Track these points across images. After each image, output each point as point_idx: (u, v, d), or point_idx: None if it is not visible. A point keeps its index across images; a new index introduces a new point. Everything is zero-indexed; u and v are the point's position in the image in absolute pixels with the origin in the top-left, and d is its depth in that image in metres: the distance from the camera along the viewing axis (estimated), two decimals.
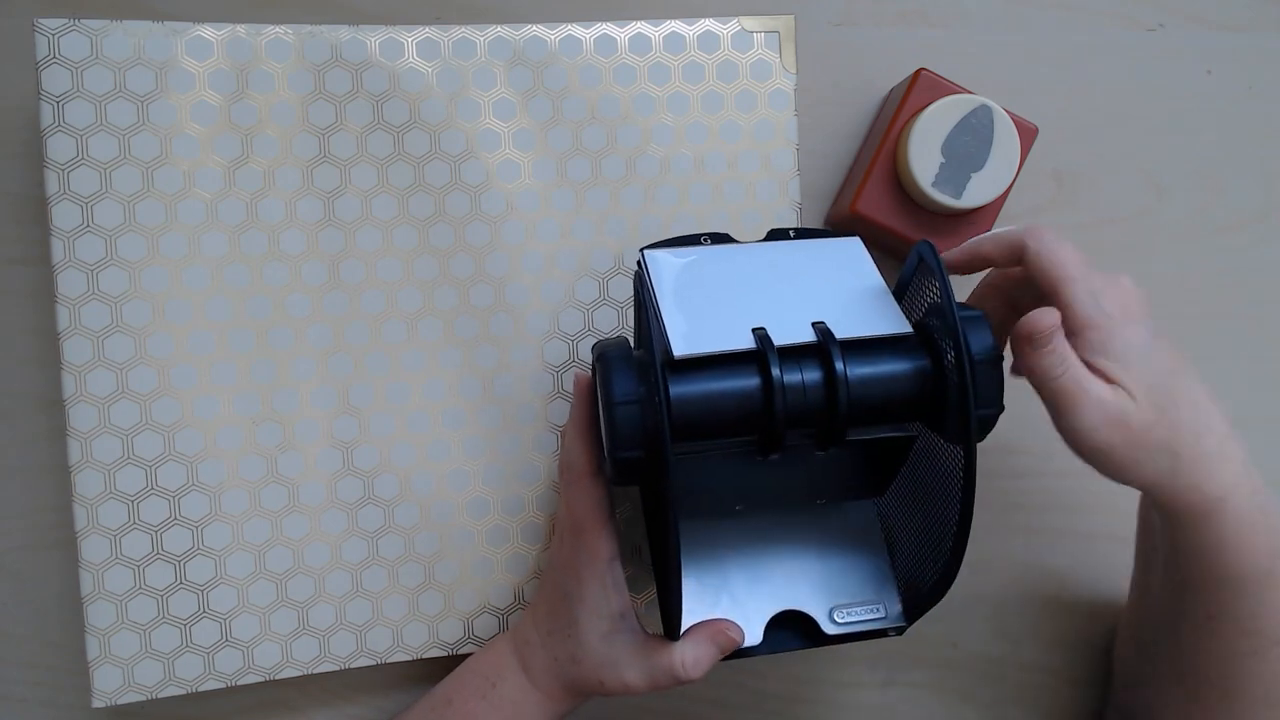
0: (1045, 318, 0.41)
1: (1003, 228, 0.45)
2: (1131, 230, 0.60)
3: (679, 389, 0.40)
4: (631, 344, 0.44)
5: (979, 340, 0.41)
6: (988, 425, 0.42)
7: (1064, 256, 0.42)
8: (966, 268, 0.47)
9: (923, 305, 0.44)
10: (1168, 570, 0.47)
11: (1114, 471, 0.42)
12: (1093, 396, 0.41)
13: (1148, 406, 0.41)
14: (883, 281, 0.44)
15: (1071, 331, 0.42)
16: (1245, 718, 0.45)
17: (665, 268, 0.44)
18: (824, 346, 0.40)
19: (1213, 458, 0.42)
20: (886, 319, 0.42)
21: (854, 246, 0.46)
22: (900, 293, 0.46)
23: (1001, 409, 0.42)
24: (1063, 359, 0.41)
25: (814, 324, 0.41)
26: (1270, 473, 0.59)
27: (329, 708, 0.55)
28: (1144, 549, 0.51)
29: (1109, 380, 0.41)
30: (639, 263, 0.45)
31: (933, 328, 0.42)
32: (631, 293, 0.55)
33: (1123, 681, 0.55)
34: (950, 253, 0.47)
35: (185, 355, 0.51)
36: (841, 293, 0.43)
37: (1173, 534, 0.44)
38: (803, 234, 0.47)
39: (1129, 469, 0.42)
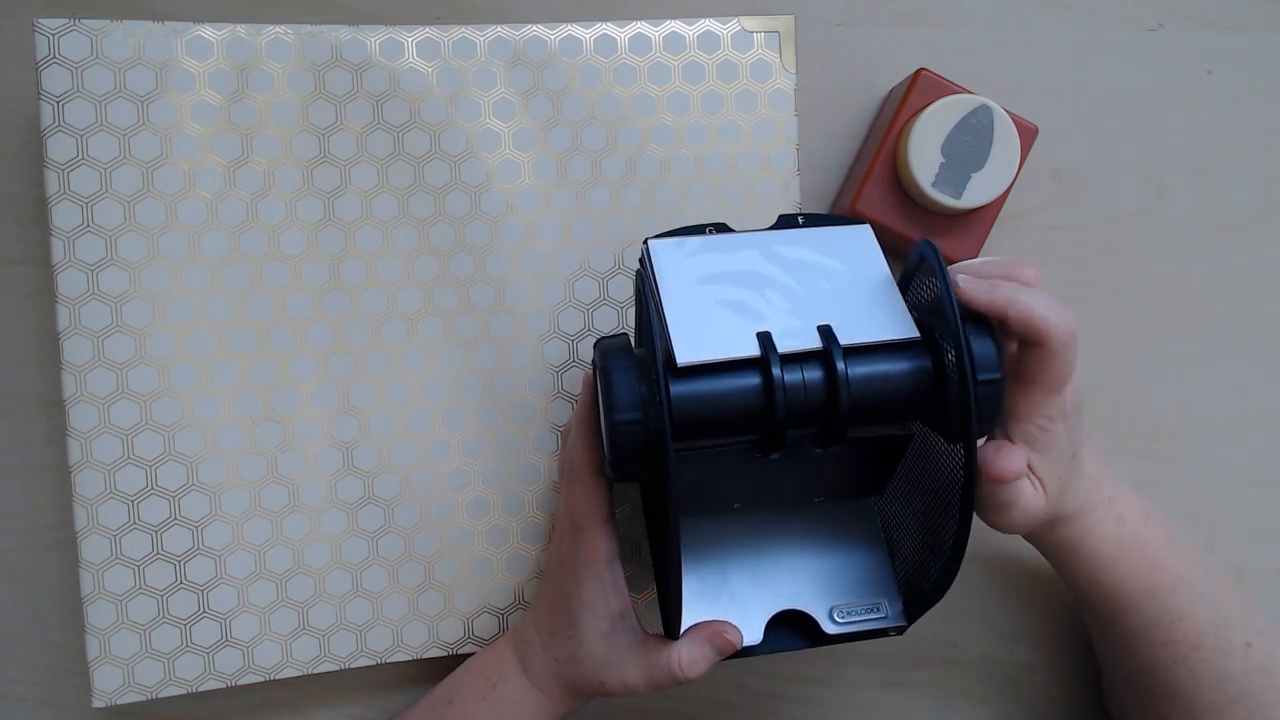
0: (1013, 463, 0.42)
1: (1034, 297, 0.40)
2: (1131, 230, 0.60)
3: (680, 388, 0.40)
4: (633, 341, 0.44)
5: (980, 341, 0.41)
6: (988, 425, 0.42)
7: (1072, 370, 0.42)
8: (980, 307, 0.42)
9: (922, 303, 0.44)
10: (1077, 597, 0.51)
11: (1001, 529, 0.45)
12: (1023, 502, 0.43)
13: (1053, 495, 0.44)
14: (890, 275, 0.44)
15: (1014, 417, 0.42)
16: (1200, 715, 0.47)
17: (669, 260, 0.44)
18: (826, 350, 0.40)
19: (1084, 511, 0.46)
20: (893, 319, 0.42)
21: (863, 235, 0.45)
22: (903, 286, 0.46)
23: (1002, 409, 0.42)
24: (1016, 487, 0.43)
25: (819, 327, 0.41)
26: (1270, 473, 0.60)
27: (329, 708, 0.55)
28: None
29: (1030, 472, 0.43)
30: (642, 254, 0.44)
31: (933, 327, 0.42)
32: (632, 292, 0.55)
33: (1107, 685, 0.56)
34: (972, 287, 0.41)
35: (185, 355, 0.51)
36: (848, 288, 0.43)
37: (1055, 564, 0.49)
38: (811, 220, 0.46)
39: (1015, 531, 0.45)
